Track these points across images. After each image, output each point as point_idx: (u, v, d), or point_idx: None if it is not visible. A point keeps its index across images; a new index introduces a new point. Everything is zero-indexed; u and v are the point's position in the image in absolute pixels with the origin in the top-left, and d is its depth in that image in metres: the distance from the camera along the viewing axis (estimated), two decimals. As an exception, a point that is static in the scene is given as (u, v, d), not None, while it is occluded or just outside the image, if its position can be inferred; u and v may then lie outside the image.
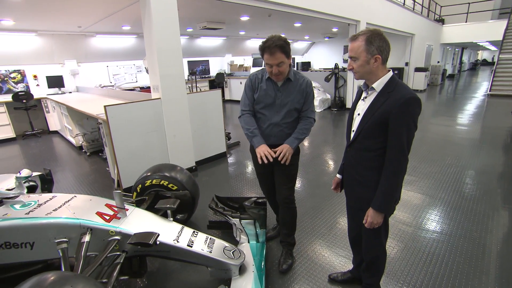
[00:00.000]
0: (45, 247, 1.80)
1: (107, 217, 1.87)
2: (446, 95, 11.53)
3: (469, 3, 13.61)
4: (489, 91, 10.78)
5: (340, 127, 7.02)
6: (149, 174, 2.55)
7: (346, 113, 8.29)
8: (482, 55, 32.52)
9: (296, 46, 15.75)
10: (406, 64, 11.89)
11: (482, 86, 13.37)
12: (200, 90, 7.24)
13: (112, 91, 6.09)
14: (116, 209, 1.96)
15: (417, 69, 12.07)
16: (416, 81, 12.29)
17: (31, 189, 2.57)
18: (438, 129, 6.38)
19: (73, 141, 5.64)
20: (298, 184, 3.65)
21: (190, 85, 8.51)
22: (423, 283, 2.01)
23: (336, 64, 8.78)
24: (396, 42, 11.87)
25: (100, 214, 1.89)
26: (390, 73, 1.38)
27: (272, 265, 2.23)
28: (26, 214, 1.84)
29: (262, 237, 2.41)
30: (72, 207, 1.94)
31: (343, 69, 8.81)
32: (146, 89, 7.92)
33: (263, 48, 1.78)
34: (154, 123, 3.54)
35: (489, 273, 2.08)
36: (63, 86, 7.31)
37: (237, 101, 10.64)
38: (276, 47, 1.74)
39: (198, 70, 10.69)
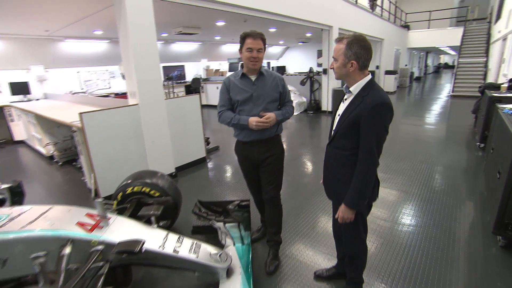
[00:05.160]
0: (19, 263, 1.70)
1: (89, 227, 1.81)
2: (415, 96, 12.20)
3: (430, 11, 14.56)
4: (452, 92, 11.54)
5: (316, 129, 7.21)
6: (129, 181, 2.49)
7: (321, 115, 8.53)
8: (444, 59, 34.71)
9: (271, 50, 16.00)
10: (377, 67, 12.45)
11: (446, 88, 14.29)
12: (177, 95, 7.13)
13: (84, 98, 5.87)
14: (97, 218, 1.91)
15: (387, 72, 12.68)
16: (387, 84, 12.89)
17: (0, 203, 2.42)
18: (408, 128, 6.73)
19: (42, 151, 5.35)
20: (279, 186, 3.72)
21: (166, 91, 8.38)
22: (402, 273, 2.13)
23: (311, 68, 9.03)
24: None
25: (80, 224, 1.82)
26: (368, 78, 1.46)
27: (259, 267, 2.25)
28: (-3, 228, 1.74)
29: (247, 239, 2.43)
30: (49, 219, 1.85)
31: (318, 73, 9.07)
32: (121, 95, 7.70)
33: (246, 35, 1.91)
34: (132, 130, 3.46)
35: (459, 260, 2.25)
36: (29, 93, 6.93)
37: (214, 106, 10.59)
38: (258, 35, 1.91)
39: (174, 75, 10.56)
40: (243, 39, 1.92)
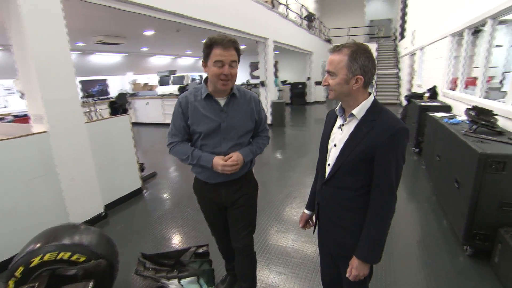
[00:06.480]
0: None
1: None
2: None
3: (348, 28, 16.15)
4: (374, 100, 12.79)
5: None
6: (37, 246, 1.74)
7: (263, 128, 8.35)
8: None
9: (203, 63, 15.52)
10: (308, 78, 13.10)
11: (365, 96, 15.95)
12: (102, 116, 6.05)
13: (-33, 123, 4.49)
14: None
15: (317, 83, 13.43)
16: (317, 94, 13.69)
17: None
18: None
19: None
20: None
21: (87, 110, 7.13)
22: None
23: (248, 81, 8.88)
24: (299, 58, 13.03)
25: None
26: (372, 98, 1.16)
27: (231, 335, 1.76)
28: None
29: (212, 298, 1.93)
30: None
31: (255, 85, 8.97)
32: (23, 118, 6.23)
33: (213, 43, 1.37)
34: (39, 166, 2.60)
35: (428, 274, 2.14)
36: None
37: (145, 124, 9.59)
38: (231, 43, 1.38)
39: (94, 91, 9.21)
40: (208, 48, 1.39)
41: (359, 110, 1.14)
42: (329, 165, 1.25)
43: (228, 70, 1.40)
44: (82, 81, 8.81)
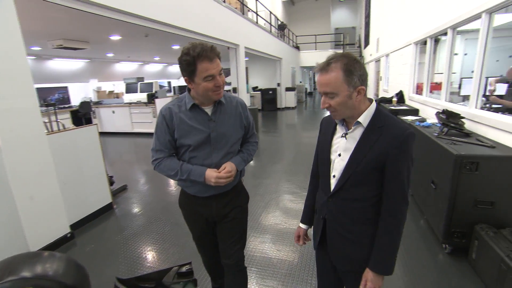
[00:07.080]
0: None
1: None
2: (314, 109, 13.58)
3: (315, 35, 16.68)
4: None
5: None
6: (-11, 281, 1.49)
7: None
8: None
9: (171, 69, 15.21)
10: (278, 84, 13.25)
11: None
12: (63, 126, 5.57)
13: None
14: None
15: (287, 89, 13.65)
16: (288, 100, 13.87)
17: None
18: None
19: None
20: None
21: (47, 120, 6.55)
22: None
23: (220, 87, 8.77)
24: (269, 65, 13.17)
25: None
26: (375, 104, 1.11)
27: None
28: None
29: (199, 322, 1.77)
30: None
31: (227, 92, 8.87)
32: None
33: (197, 57, 1.23)
34: (-10, 185, 2.29)
35: (410, 273, 2.16)
36: None
37: (111, 133, 9.06)
38: (214, 54, 1.27)
39: (53, 99, 8.53)
40: (192, 65, 1.26)
41: (365, 118, 1.09)
42: (334, 176, 1.18)
43: (219, 81, 1.32)
44: (38, 89, 8.13)
